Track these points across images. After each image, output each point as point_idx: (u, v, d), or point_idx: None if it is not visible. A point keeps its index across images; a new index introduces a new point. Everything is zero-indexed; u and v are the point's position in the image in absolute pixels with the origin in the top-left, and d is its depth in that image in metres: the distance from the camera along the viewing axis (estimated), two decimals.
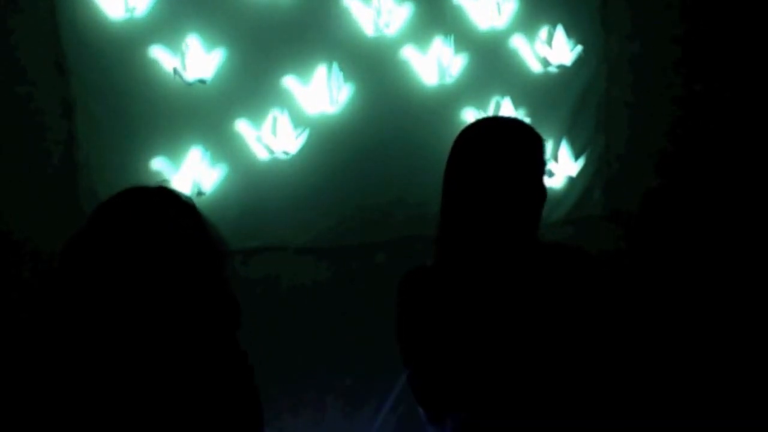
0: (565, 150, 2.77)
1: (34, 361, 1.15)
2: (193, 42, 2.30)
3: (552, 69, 2.72)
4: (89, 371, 1.12)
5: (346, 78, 2.48)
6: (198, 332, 1.18)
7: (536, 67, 2.73)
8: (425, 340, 1.40)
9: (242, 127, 2.41)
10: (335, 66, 2.45)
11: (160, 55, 2.29)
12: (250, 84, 2.40)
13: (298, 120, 2.44)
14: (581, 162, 2.78)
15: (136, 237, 1.15)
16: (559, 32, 2.69)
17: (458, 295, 1.38)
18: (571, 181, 2.81)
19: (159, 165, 2.32)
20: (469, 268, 1.38)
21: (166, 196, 1.23)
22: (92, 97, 2.25)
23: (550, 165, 2.74)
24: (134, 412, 1.13)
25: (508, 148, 1.38)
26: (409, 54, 2.56)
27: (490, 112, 2.65)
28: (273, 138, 2.40)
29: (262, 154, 2.43)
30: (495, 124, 1.48)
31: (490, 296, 1.37)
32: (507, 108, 2.66)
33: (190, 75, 2.29)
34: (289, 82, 2.44)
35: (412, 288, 1.44)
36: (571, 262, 1.44)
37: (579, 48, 2.73)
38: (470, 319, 1.36)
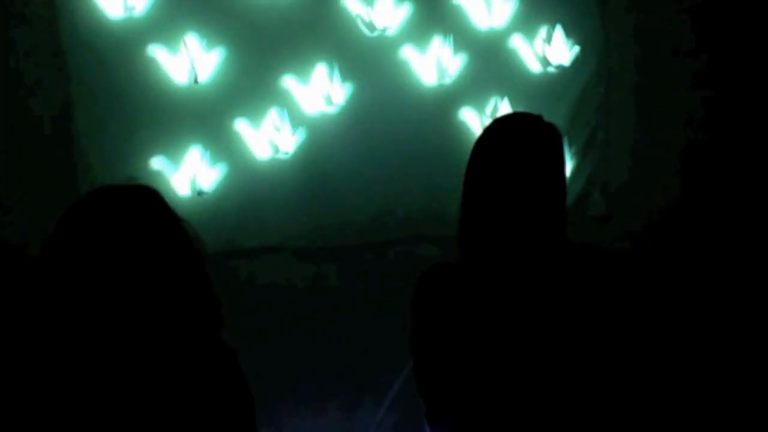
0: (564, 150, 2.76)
1: (15, 363, 1.14)
2: (191, 41, 2.30)
3: (551, 69, 2.72)
4: (70, 374, 1.11)
5: (345, 77, 2.48)
6: (179, 332, 1.16)
7: (535, 67, 2.72)
8: (438, 337, 1.38)
9: (241, 126, 2.41)
10: (335, 65, 2.45)
11: (159, 54, 2.29)
12: (250, 83, 2.40)
13: (297, 120, 2.44)
14: (574, 161, 2.78)
15: (111, 236, 1.13)
16: (558, 32, 2.69)
17: (477, 295, 1.36)
18: (569, 181, 2.80)
19: (158, 164, 2.32)
20: (492, 267, 1.37)
21: (138, 194, 1.21)
22: (92, 97, 2.25)
23: None
24: (116, 412, 1.11)
25: (531, 144, 1.37)
26: (408, 54, 2.56)
27: (489, 113, 2.66)
28: (277, 135, 2.41)
29: (265, 153, 2.43)
30: (517, 121, 1.46)
31: (508, 298, 1.35)
32: (506, 108, 2.65)
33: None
34: (288, 81, 2.44)
35: (431, 284, 1.42)
36: (597, 265, 1.42)
37: (577, 48, 2.73)
38: (484, 320, 1.35)
